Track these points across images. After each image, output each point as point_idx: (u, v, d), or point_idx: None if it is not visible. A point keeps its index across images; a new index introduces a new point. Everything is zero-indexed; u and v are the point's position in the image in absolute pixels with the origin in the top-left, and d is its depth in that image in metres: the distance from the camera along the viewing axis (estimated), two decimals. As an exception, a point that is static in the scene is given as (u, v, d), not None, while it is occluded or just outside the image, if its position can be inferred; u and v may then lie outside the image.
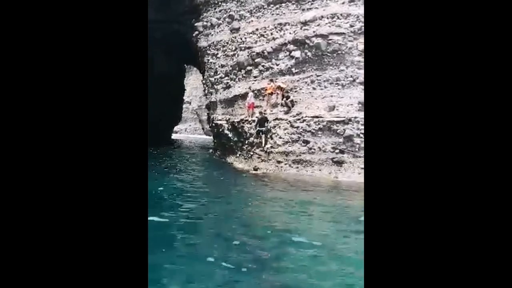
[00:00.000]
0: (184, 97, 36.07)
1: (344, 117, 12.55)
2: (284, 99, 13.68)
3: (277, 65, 14.42)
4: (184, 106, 38.37)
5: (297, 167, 12.64)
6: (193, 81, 41.12)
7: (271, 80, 13.98)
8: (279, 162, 12.96)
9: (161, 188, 8.68)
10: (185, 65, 30.42)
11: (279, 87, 13.76)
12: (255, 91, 14.64)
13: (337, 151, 12.47)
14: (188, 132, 45.43)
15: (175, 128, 38.08)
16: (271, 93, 13.92)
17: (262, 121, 13.68)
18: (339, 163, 12.34)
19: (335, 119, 12.67)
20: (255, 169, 13.22)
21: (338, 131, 12.55)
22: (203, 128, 43.26)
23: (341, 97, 13.01)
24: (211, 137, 22.99)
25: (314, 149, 12.64)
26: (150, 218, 5.07)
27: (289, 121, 13.21)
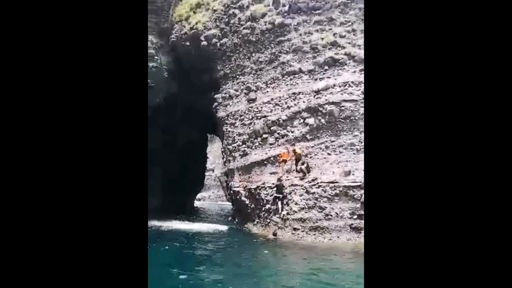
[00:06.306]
0: (207, 165, 36.77)
1: (361, 181, 12.36)
2: (299, 165, 13.75)
3: (292, 132, 14.74)
4: (207, 174, 38.95)
5: (314, 234, 12.29)
6: (216, 150, 42.10)
7: (286, 148, 14.27)
8: (295, 229, 12.67)
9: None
10: (207, 134, 31.44)
11: (294, 151, 13.94)
12: (272, 158, 14.92)
13: (355, 216, 12.13)
14: (212, 199, 45.45)
15: (198, 196, 38.28)
16: (284, 160, 14.10)
17: (279, 187, 13.69)
18: (358, 229, 11.93)
19: (352, 184, 12.51)
20: (274, 234, 12.98)
21: (355, 196, 12.33)
22: (226, 195, 43.27)
23: (356, 162, 12.95)
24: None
25: (331, 215, 12.37)
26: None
27: (305, 187, 13.13)
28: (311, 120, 14.29)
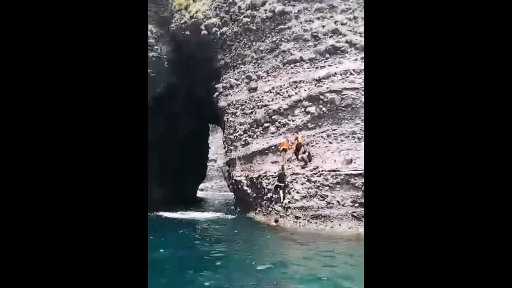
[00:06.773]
0: (210, 155, 36.82)
1: (362, 170, 12.34)
2: (301, 154, 13.74)
3: (293, 121, 14.70)
4: (209, 164, 39.02)
5: (316, 223, 12.33)
6: (217, 140, 42.11)
7: (286, 137, 14.26)
8: (297, 217, 12.71)
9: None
10: (209, 124, 31.40)
11: (296, 138, 13.91)
12: (273, 147, 14.90)
13: (356, 205, 12.15)
14: (214, 189, 45.65)
15: (201, 186, 38.42)
16: (285, 150, 14.08)
17: (281, 176, 13.70)
18: (359, 217, 11.96)
19: (353, 172, 12.50)
20: (276, 221, 13.06)
21: (356, 184, 12.32)
22: (228, 186, 43.40)
23: (358, 150, 12.92)
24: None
25: (333, 203, 12.39)
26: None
27: (306, 176, 13.14)
28: (312, 109, 14.24)
